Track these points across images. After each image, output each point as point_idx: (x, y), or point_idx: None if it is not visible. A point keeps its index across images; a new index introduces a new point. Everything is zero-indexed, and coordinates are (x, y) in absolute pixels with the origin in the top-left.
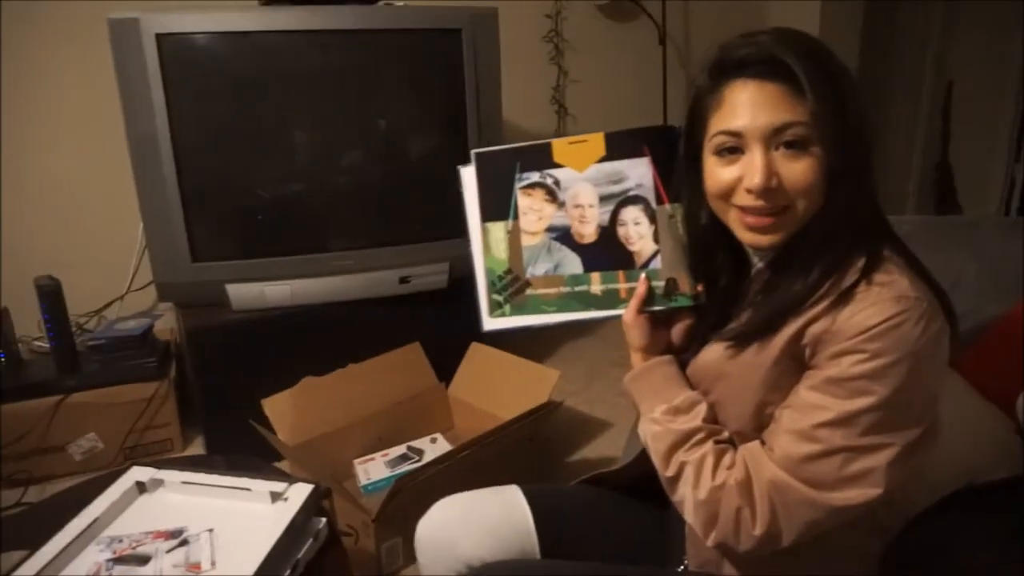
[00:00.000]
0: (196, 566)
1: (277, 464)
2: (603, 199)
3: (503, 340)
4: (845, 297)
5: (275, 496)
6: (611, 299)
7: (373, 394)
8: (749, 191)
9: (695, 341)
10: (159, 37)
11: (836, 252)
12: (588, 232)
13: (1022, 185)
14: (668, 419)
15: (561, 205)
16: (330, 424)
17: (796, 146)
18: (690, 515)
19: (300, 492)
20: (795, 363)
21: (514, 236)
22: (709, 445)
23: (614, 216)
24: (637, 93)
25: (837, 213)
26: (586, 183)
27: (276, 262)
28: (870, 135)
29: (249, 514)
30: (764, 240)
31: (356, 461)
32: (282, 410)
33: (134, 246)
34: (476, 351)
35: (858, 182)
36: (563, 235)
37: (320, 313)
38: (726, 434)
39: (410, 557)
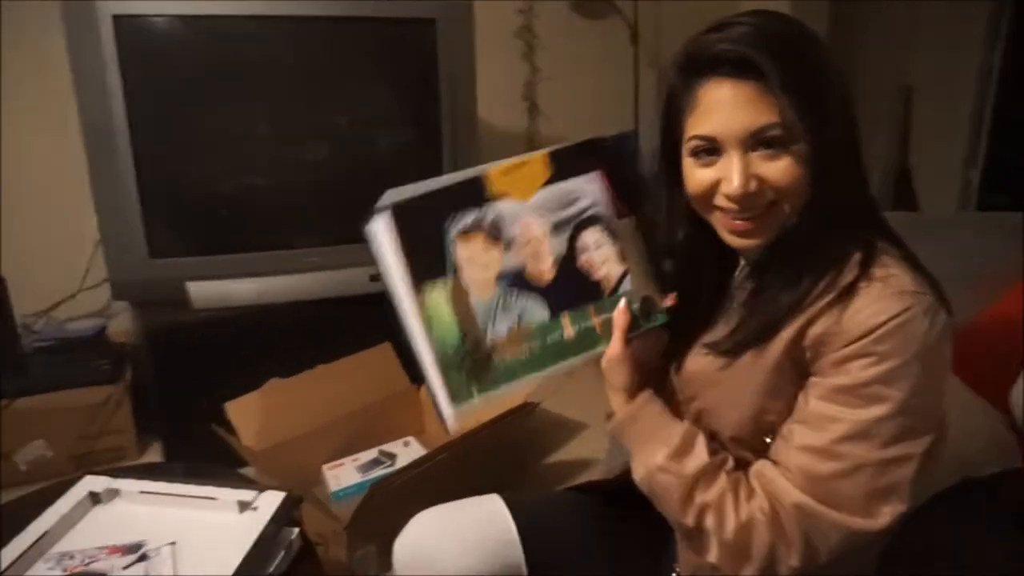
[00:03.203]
0: None
1: (241, 471)
2: (556, 227)
3: None
4: (845, 295)
5: (243, 506)
6: (588, 339)
7: (343, 396)
8: (728, 196)
9: (672, 352)
10: (116, 19)
11: (829, 248)
12: (546, 269)
13: (977, 187)
14: (674, 464)
15: (508, 245)
16: (298, 428)
17: (775, 145)
18: (714, 555)
19: (271, 501)
20: (795, 367)
21: (458, 294)
22: (722, 479)
23: (572, 244)
24: (609, 91)
25: (825, 208)
26: (534, 213)
27: (240, 259)
28: (855, 126)
29: (215, 525)
30: (750, 243)
31: (325, 467)
32: (247, 414)
33: (87, 242)
34: None
35: (845, 175)
36: (517, 279)
37: (287, 312)
38: (730, 461)
39: (384, 566)
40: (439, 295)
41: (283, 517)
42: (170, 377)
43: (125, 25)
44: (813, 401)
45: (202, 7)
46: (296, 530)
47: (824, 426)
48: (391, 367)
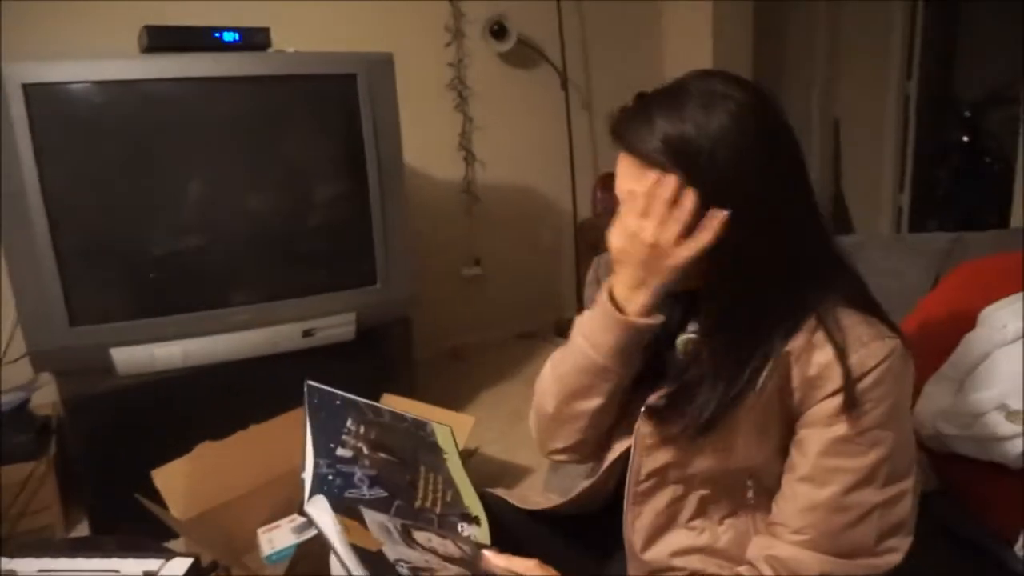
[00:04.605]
0: None
1: (173, 542)
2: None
3: (417, 389)
4: (828, 339)
5: (148, 575)
6: None
7: (277, 456)
8: None
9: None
10: (26, 88)
11: (776, 311)
12: None
13: (908, 212)
14: None
15: None
16: (230, 492)
17: None
18: None
19: (178, 567)
20: (782, 403)
21: None
22: None
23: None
24: (542, 136)
25: (747, 267)
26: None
27: (166, 321)
28: (770, 206)
29: None
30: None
31: (261, 530)
32: (175, 481)
33: (8, 314)
34: (387, 402)
35: (759, 238)
36: None
37: (217, 374)
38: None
39: None
40: None
41: None
42: (96, 448)
43: (36, 93)
44: (814, 457)
45: (118, 72)
46: None
47: (829, 479)
48: None
